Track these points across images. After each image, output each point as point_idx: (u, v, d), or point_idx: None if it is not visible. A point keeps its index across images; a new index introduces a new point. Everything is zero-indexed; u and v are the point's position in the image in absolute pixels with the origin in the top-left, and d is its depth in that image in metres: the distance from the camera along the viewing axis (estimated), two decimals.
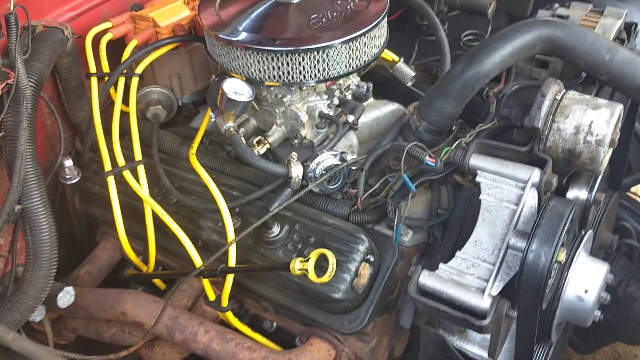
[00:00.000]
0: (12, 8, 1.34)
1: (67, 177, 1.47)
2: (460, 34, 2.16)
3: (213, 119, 1.46)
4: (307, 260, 1.19)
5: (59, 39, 1.49)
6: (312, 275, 1.18)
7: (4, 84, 1.31)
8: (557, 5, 1.58)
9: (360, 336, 1.37)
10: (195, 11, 1.70)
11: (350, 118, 1.52)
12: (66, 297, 1.44)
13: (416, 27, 2.19)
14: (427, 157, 1.31)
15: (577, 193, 1.35)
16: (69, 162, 1.45)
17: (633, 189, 2.10)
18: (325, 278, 1.18)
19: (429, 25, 1.81)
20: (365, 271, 1.30)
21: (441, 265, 1.21)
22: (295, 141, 1.54)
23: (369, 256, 1.32)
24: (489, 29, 2.10)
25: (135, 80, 1.59)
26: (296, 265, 1.19)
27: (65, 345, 1.71)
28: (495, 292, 1.16)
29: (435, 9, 2.07)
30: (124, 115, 1.61)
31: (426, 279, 1.19)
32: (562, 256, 1.14)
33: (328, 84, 1.51)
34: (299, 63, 1.38)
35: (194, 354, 1.49)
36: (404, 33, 2.22)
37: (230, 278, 1.36)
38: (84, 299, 1.54)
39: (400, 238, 1.38)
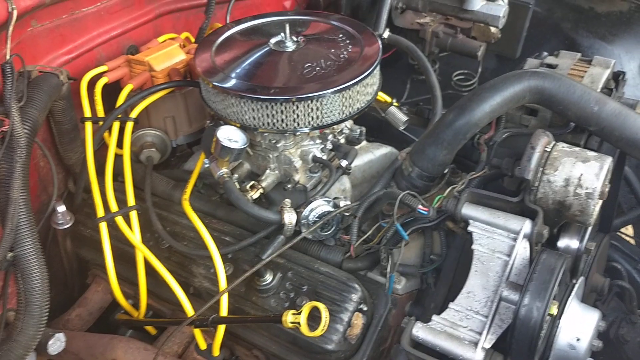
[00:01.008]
0: (8, 56, 1.35)
1: (60, 222, 1.47)
2: (451, 73, 2.20)
3: (207, 165, 1.46)
4: (300, 313, 1.18)
5: (54, 84, 1.50)
6: (304, 328, 1.17)
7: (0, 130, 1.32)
8: (545, 53, 1.61)
9: None
10: (191, 55, 1.72)
11: (344, 163, 1.52)
12: (57, 343, 1.43)
13: (408, 65, 2.23)
14: (420, 206, 1.32)
15: (568, 242, 1.36)
16: (61, 208, 1.45)
17: (623, 229, 2.12)
18: (318, 332, 1.17)
19: (420, 70, 1.83)
20: (358, 321, 1.29)
21: (434, 317, 1.21)
22: (289, 186, 1.54)
23: (362, 305, 1.32)
24: (479, 69, 2.14)
25: (130, 125, 1.60)
26: (288, 318, 1.19)
27: None
28: (488, 345, 1.16)
29: (427, 51, 2.11)
30: (118, 157, 1.62)
31: (419, 331, 1.18)
32: (554, 309, 1.15)
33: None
34: (293, 111, 1.40)
35: None
36: (395, 71, 2.25)
37: (222, 328, 1.35)
38: (75, 344, 1.52)
39: (393, 286, 1.38)
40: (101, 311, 1.70)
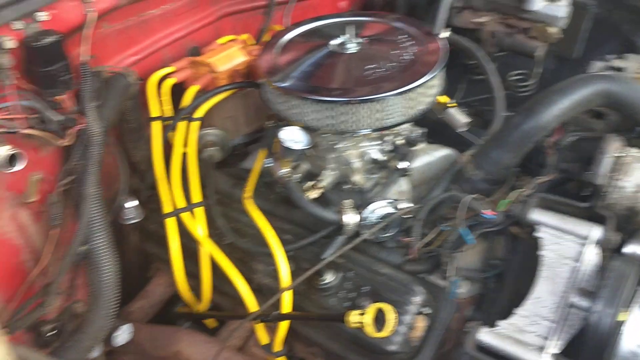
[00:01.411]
0: (87, 57, 1.40)
1: (130, 216, 1.52)
2: (506, 73, 2.16)
3: (268, 164, 1.49)
4: (364, 314, 1.19)
5: (124, 85, 1.55)
6: (369, 329, 1.18)
7: (76, 129, 1.38)
8: (611, 56, 1.57)
9: None
10: (251, 56, 1.75)
11: (402, 164, 1.52)
12: (124, 335, 1.48)
13: (462, 65, 2.20)
14: (488, 211, 1.31)
15: (634, 249, 1.33)
16: (133, 203, 1.50)
17: None
18: (385, 333, 1.18)
19: (481, 71, 1.81)
20: (420, 324, 1.29)
21: (500, 322, 1.20)
22: (347, 186, 1.55)
23: (424, 308, 1.32)
24: (539, 70, 2.10)
25: (196, 125, 1.64)
26: (353, 318, 1.20)
27: None
28: (557, 351, 1.15)
29: (484, 50, 2.08)
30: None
31: (485, 336, 1.18)
32: (625, 317, 1.13)
33: None
34: (355, 113, 1.41)
35: None
36: (449, 70, 2.23)
37: (285, 324, 1.37)
38: (139, 336, 1.57)
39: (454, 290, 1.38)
40: (162, 304, 1.75)
